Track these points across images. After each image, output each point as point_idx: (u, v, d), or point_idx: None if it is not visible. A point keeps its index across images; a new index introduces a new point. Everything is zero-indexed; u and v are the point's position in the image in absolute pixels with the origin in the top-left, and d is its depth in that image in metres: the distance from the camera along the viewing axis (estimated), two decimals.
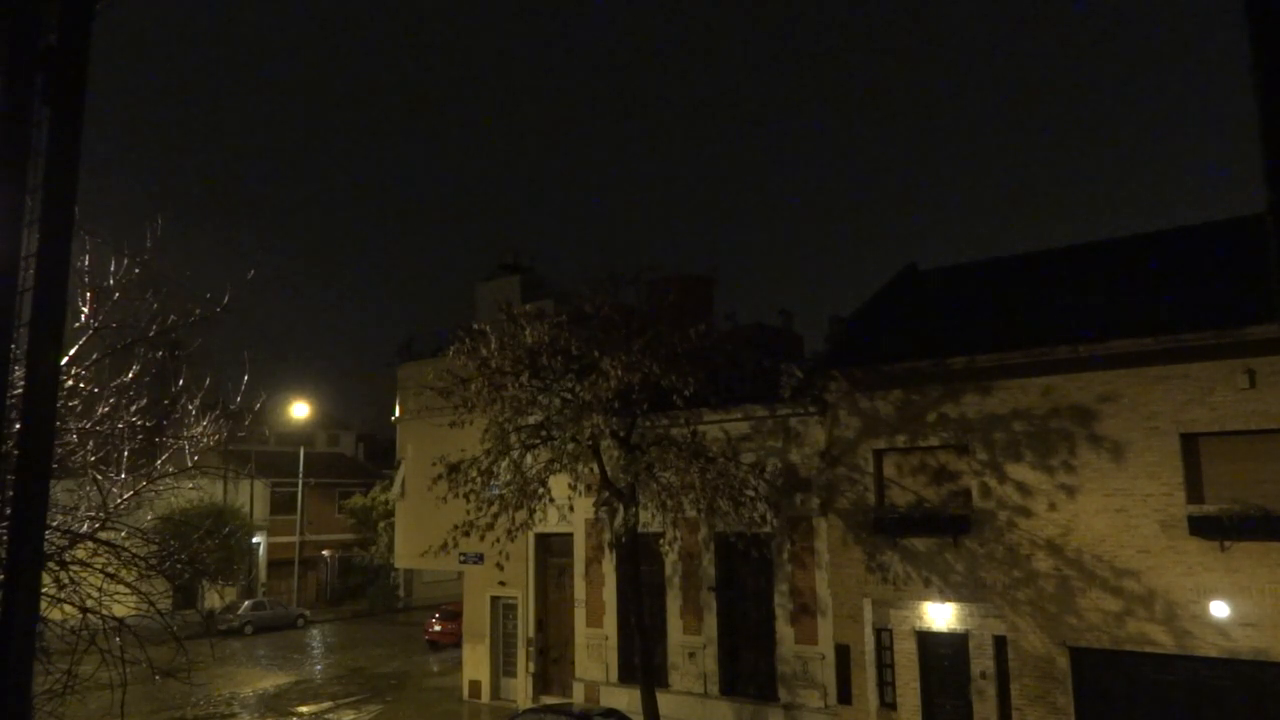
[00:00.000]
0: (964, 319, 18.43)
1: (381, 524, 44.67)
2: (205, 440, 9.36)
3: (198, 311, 8.70)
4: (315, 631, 40.51)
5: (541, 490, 17.40)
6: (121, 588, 7.75)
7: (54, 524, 7.18)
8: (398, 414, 27.41)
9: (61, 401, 7.19)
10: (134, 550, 8.07)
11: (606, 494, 17.62)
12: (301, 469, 48.01)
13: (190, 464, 9.25)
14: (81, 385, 7.81)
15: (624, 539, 17.88)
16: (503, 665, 24.57)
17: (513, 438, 17.32)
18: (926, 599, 17.09)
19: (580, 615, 22.44)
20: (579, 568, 22.58)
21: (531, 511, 17.48)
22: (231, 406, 9.92)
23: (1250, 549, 14.06)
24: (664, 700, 18.72)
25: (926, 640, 17.29)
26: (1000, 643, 16.43)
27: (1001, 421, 16.44)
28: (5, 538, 1.92)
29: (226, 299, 8.75)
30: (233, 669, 30.25)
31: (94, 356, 7.88)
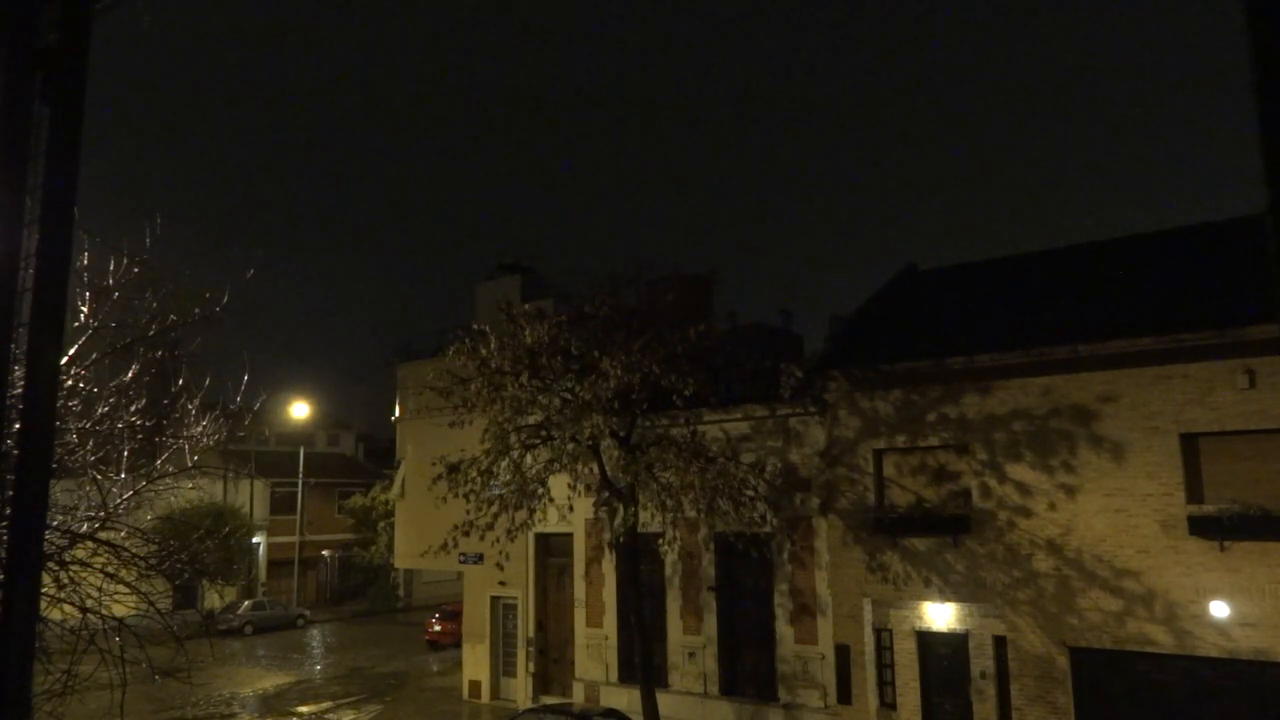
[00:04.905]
0: (964, 319, 18.43)
1: (381, 524, 44.64)
2: (205, 440, 9.35)
3: (197, 311, 8.70)
4: (315, 631, 40.49)
5: (541, 490, 17.39)
6: (121, 588, 7.75)
7: (54, 524, 7.17)
8: (398, 414, 27.41)
9: (61, 401, 7.19)
10: (134, 550, 8.06)
11: (606, 494, 17.61)
12: (301, 469, 47.98)
13: (190, 464, 9.24)
14: (81, 385, 7.81)
15: (624, 539, 17.87)
16: (503, 665, 24.56)
17: (513, 438, 17.31)
18: (926, 599, 17.09)
19: (580, 615, 22.43)
20: (579, 568, 22.57)
21: (531, 511, 17.47)
22: (231, 406, 9.91)
23: (1250, 549, 14.06)
24: (664, 700, 18.71)
25: (926, 640, 17.29)
26: (1000, 643, 16.43)
27: (1001, 421, 16.44)
28: (5, 538, 1.92)
29: (226, 299, 8.75)
30: (233, 669, 30.24)
31: (94, 356, 7.88)
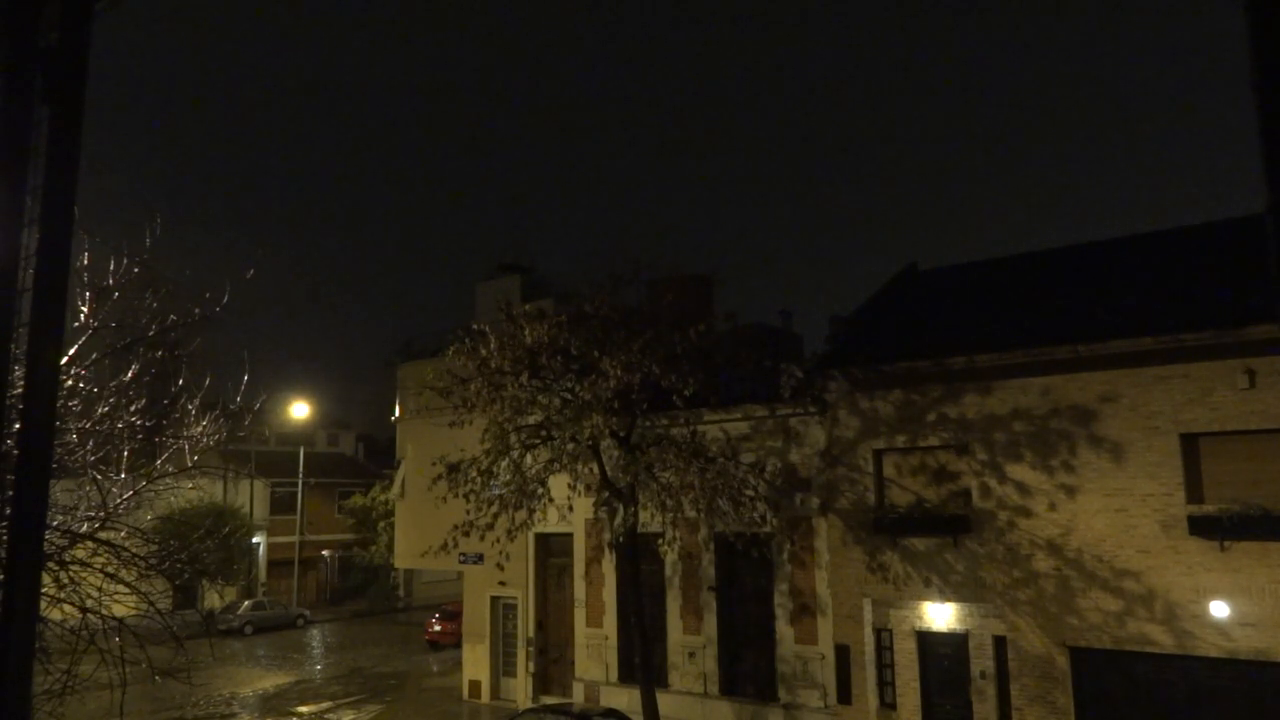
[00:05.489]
0: (964, 319, 18.42)
1: (381, 524, 44.63)
2: (205, 440, 9.35)
3: (197, 311, 8.70)
4: (315, 631, 40.50)
5: (541, 490, 17.39)
6: (121, 588, 7.75)
7: (54, 524, 7.18)
8: (398, 414, 27.42)
9: (61, 401, 7.19)
10: (134, 550, 8.07)
11: (606, 494, 17.61)
12: (301, 469, 47.98)
13: (190, 464, 9.24)
14: (81, 385, 7.81)
15: (624, 539, 17.88)
16: (503, 665, 24.56)
17: (512, 438, 17.32)
18: (926, 599, 17.09)
19: (580, 615, 22.43)
20: (579, 568, 22.57)
21: (531, 511, 17.47)
22: (231, 406, 9.91)
23: (1250, 549, 14.05)
24: (664, 700, 18.71)
25: (926, 640, 17.29)
26: (1000, 643, 16.42)
27: (1001, 421, 16.44)
28: (5, 538, 1.92)
29: (226, 299, 8.75)
30: (233, 669, 30.24)
31: (94, 356, 7.88)
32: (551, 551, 23.57)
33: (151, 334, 8.43)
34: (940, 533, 16.80)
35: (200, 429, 9.25)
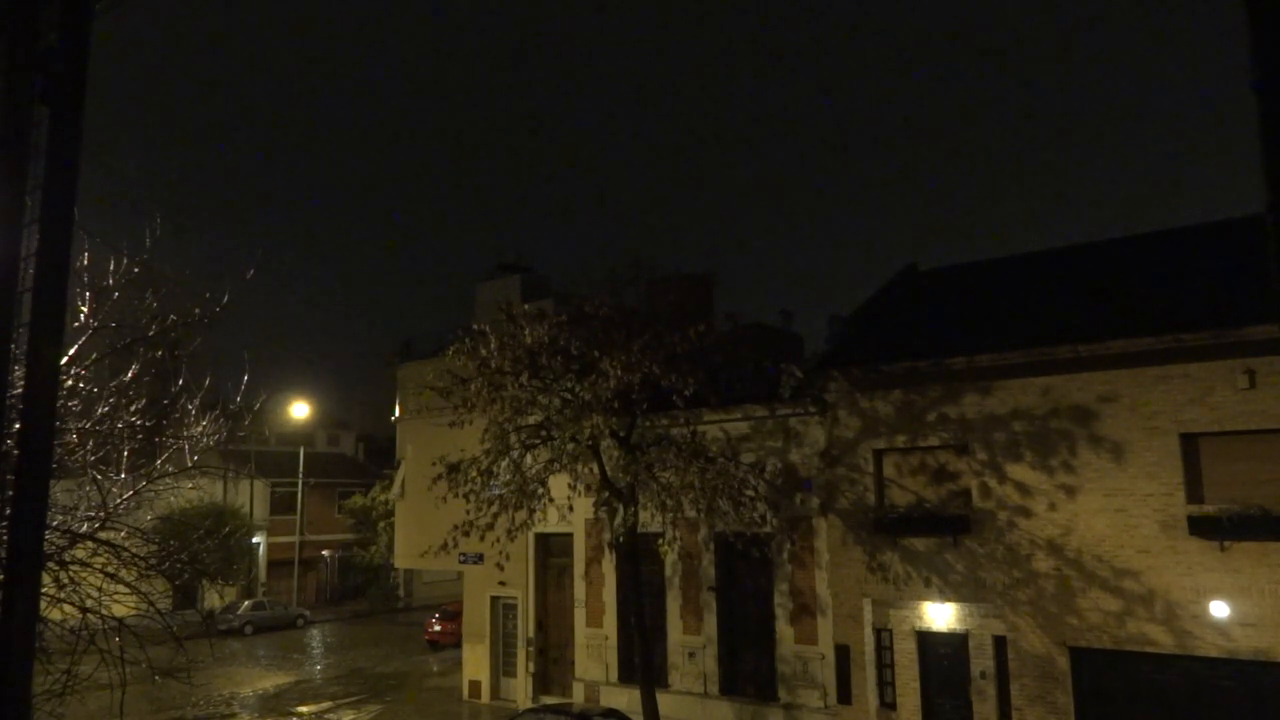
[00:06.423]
0: (964, 319, 18.43)
1: (381, 524, 44.64)
2: (205, 440, 9.35)
3: (197, 311, 8.69)
4: (315, 631, 40.50)
5: (541, 490, 17.40)
6: (121, 588, 7.75)
7: (54, 524, 7.17)
8: (398, 414, 27.42)
9: (61, 401, 7.19)
10: (134, 550, 8.06)
11: (606, 494, 17.61)
12: (301, 469, 47.98)
13: (190, 464, 9.24)
14: (81, 385, 7.80)
15: (624, 539, 17.88)
16: (503, 665, 24.56)
17: (512, 438, 17.32)
18: (926, 599, 17.09)
19: (580, 615, 22.43)
20: (579, 568, 22.57)
21: (531, 511, 17.47)
22: (231, 406, 9.90)
23: (1250, 549, 14.06)
24: (664, 700, 18.71)
25: (926, 640, 17.29)
26: (1000, 643, 16.43)
27: (1001, 421, 16.44)
28: (5, 538, 1.92)
29: (226, 299, 8.74)
30: (233, 669, 30.24)
31: (94, 356, 7.88)
32: (551, 551, 23.57)
33: (151, 334, 8.43)
34: (940, 533, 16.80)
35: (200, 429, 9.25)
